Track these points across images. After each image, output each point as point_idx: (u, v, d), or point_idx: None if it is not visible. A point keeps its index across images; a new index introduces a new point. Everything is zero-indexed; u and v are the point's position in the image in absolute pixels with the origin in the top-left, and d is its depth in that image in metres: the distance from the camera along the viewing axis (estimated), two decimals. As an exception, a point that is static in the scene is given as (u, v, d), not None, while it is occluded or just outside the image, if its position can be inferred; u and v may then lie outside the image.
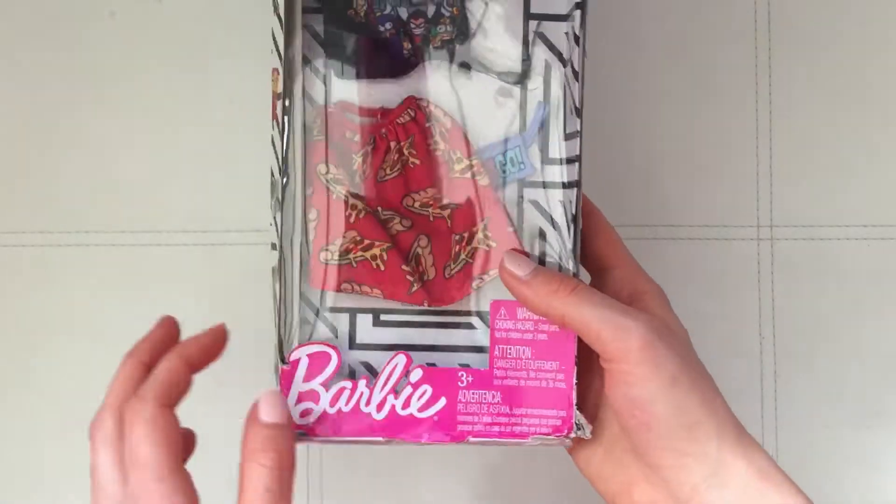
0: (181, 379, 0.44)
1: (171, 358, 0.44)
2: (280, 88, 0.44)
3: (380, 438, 0.44)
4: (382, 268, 0.45)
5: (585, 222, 0.48)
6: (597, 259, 0.49)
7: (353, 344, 0.45)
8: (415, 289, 0.45)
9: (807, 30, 0.65)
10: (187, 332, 0.64)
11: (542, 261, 0.46)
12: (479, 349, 0.46)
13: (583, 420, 0.45)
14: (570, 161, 0.45)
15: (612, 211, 0.65)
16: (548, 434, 0.45)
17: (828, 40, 0.65)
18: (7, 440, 0.64)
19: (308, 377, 0.44)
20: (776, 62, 0.65)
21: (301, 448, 0.64)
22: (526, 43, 0.45)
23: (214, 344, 0.46)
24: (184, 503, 0.41)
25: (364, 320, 0.45)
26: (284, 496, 0.41)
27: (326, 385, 0.44)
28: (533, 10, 0.45)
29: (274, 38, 0.45)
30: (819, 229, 0.65)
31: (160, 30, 0.64)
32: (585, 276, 0.50)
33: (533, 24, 0.45)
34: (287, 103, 0.44)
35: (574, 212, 0.46)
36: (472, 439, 0.44)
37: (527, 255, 0.45)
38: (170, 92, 0.63)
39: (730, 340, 0.65)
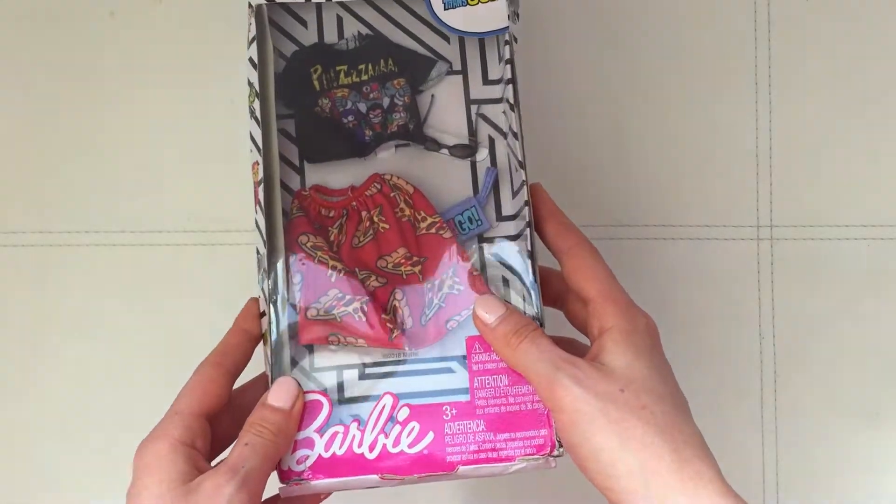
0: (235, 343, 0.50)
1: (231, 329, 0.50)
2: (260, 177, 0.50)
3: (374, 477, 0.47)
4: (364, 318, 0.49)
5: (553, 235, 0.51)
6: (570, 283, 0.50)
7: (342, 399, 0.49)
8: (395, 335, 0.49)
9: (807, 30, 0.65)
10: (184, 331, 0.64)
11: (507, 299, 0.50)
12: (460, 391, 0.49)
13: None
14: (516, 215, 0.51)
15: (613, 211, 0.65)
16: (533, 454, 0.48)
17: (828, 40, 0.65)
18: (7, 440, 0.64)
19: (303, 426, 0.47)
20: (776, 62, 0.65)
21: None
22: (470, 123, 0.52)
23: (255, 312, 0.51)
24: (184, 438, 0.45)
25: (350, 375, 0.49)
26: (259, 483, 0.45)
27: (320, 431, 0.47)
28: (472, 96, 0.52)
29: (252, 138, 0.51)
30: (819, 229, 0.65)
31: (160, 30, 0.64)
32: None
33: (474, 108, 0.52)
34: (267, 189, 0.50)
35: (529, 248, 0.50)
36: (461, 468, 0.47)
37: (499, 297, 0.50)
38: (170, 92, 0.64)
39: (730, 340, 0.65)
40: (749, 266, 0.65)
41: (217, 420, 0.48)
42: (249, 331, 0.50)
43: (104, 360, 0.64)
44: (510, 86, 0.51)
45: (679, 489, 0.43)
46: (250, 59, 0.51)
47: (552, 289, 0.52)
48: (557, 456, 0.48)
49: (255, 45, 0.51)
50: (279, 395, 0.47)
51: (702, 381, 0.64)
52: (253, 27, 0.52)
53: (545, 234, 0.51)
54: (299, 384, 0.48)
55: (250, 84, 0.51)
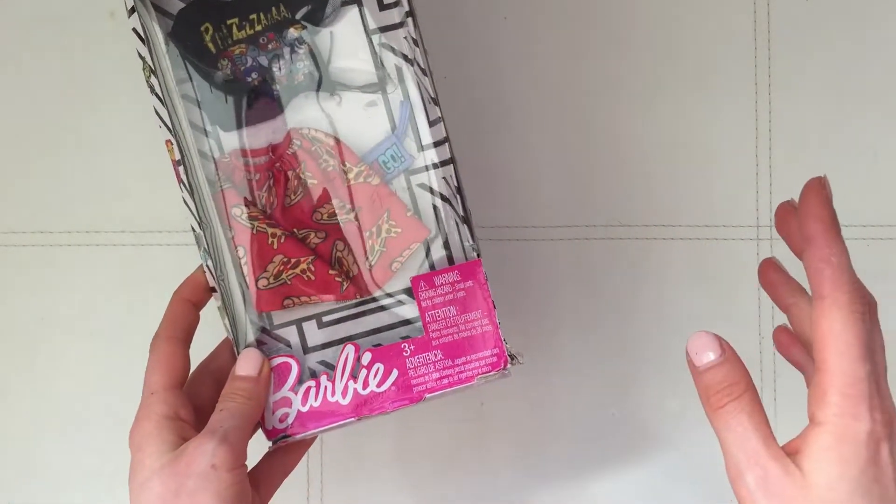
0: (179, 313, 0.51)
1: (171, 300, 0.52)
2: (177, 155, 0.50)
3: (352, 419, 0.50)
4: (313, 278, 0.51)
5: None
6: (812, 331, 0.41)
7: (306, 349, 0.51)
8: (345, 287, 0.51)
9: (807, 30, 0.65)
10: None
11: (442, 230, 0.52)
12: (412, 320, 0.52)
13: (515, 350, 0.51)
14: (438, 144, 0.52)
15: (613, 211, 0.65)
16: (489, 371, 0.51)
17: (828, 40, 0.65)
18: (7, 440, 0.64)
19: (277, 388, 0.50)
20: (776, 62, 0.65)
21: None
22: (374, 55, 0.52)
23: (200, 279, 0.52)
24: (166, 412, 0.48)
25: (310, 327, 0.52)
26: (240, 439, 0.47)
27: (294, 389, 0.50)
28: (371, 26, 0.52)
29: (158, 114, 0.50)
30: (819, 229, 0.65)
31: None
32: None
33: (375, 38, 0.52)
34: (187, 166, 0.50)
35: (457, 184, 0.51)
36: (428, 395, 0.50)
37: (718, 338, 0.44)
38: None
39: (730, 340, 0.64)
40: (749, 266, 0.65)
41: (196, 388, 0.51)
42: (191, 298, 0.52)
43: (104, 360, 0.64)
44: (409, 19, 0.51)
45: None
46: (134, 30, 0.49)
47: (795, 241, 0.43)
48: (513, 367, 0.51)
49: (135, 14, 0.49)
50: (245, 366, 0.50)
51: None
52: None
53: (803, 260, 0.42)
54: (262, 352, 0.50)
55: (141, 57, 0.50)
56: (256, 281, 0.51)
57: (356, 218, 0.52)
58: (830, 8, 0.65)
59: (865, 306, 0.40)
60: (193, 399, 0.50)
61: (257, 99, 0.51)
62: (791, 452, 0.40)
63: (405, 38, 0.51)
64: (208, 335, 0.53)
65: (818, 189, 0.42)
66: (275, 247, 0.51)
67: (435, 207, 0.52)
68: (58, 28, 0.63)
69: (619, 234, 0.64)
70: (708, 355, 0.43)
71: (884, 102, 0.65)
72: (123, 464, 0.49)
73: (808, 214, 0.41)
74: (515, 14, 0.64)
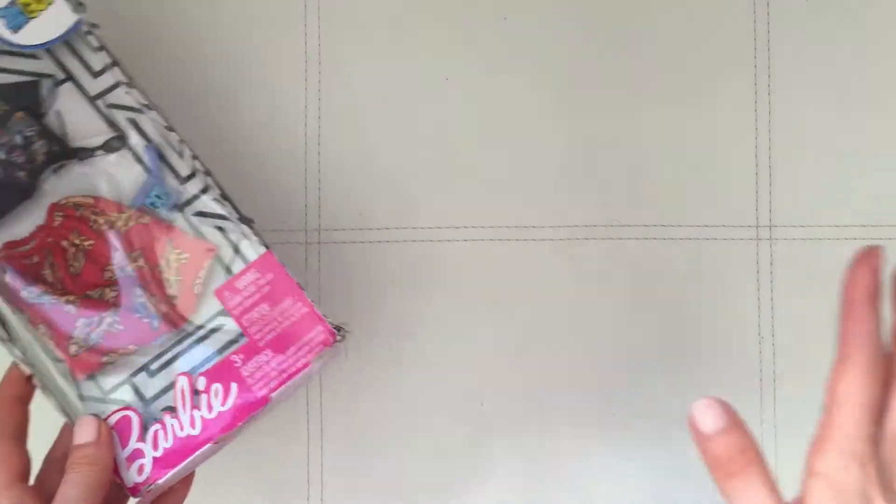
0: (7, 411, 0.51)
1: None
2: None
3: (209, 445, 0.50)
4: (122, 328, 0.52)
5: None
6: None
7: (146, 401, 0.51)
8: (157, 324, 0.52)
9: (807, 30, 0.65)
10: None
11: (233, 244, 0.52)
12: (238, 333, 0.52)
13: (339, 323, 0.51)
14: (194, 172, 0.53)
15: (613, 211, 0.65)
16: (321, 350, 0.51)
17: (828, 40, 0.65)
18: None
19: (124, 443, 0.50)
20: (776, 62, 0.65)
21: (300, 448, 0.64)
22: (105, 118, 0.53)
23: (15, 373, 0.51)
24: None
25: (141, 378, 0.51)
26: (94, 498, 0.47)
27: (142, 438, 0.50)
28: (92, 93, 0.53)
29: None
30: (819, 229, 0.65)
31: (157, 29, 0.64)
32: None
33: (100, 102, 0.53)
34: None
35: (221, 192, 0.53)
36: (273, 395, 0.51)
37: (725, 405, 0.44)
38: (171, 91, 0.63)
39: (730, 340, 0.65)
40: (749, 266, 0.65)
41: (46, 480, 0.50)
42: (15, 394, 0.51)
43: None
44: (115, 68, 0.53)
45: None
46: None
47: None
48: (341, 340, 0.51)
49: None
50: (82, 433, 0.49)
51: (702, 381, 0.64)
52: None
53: (840, 324, 0.44)
54: (97, 416, 0.50)
55: None
56: (67, 350, 0.51)
57: (143, 261, 0.52)
58: (830, 8, 0.64)
59: (883, 375, 0.43)
60: (43, 489, 0.50)
61: (7, 190, 0.52)
62: None
63: (126, 93, 0.53)
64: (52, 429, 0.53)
65: (870, 258, 0.45)
66: (73, 312, 0.52)
67: (220, 228, 0.53)
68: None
69: (619, 234, 0.64)
70: (716, 422, 0.42)
71: (884, 102, 0.65)
72: (123, 463, 0.48)
73: (854, 279, 0.46)
74: (515, 14, 0.64)
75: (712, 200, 0.65)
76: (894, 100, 0.65)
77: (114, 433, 0.50)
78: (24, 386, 0.51)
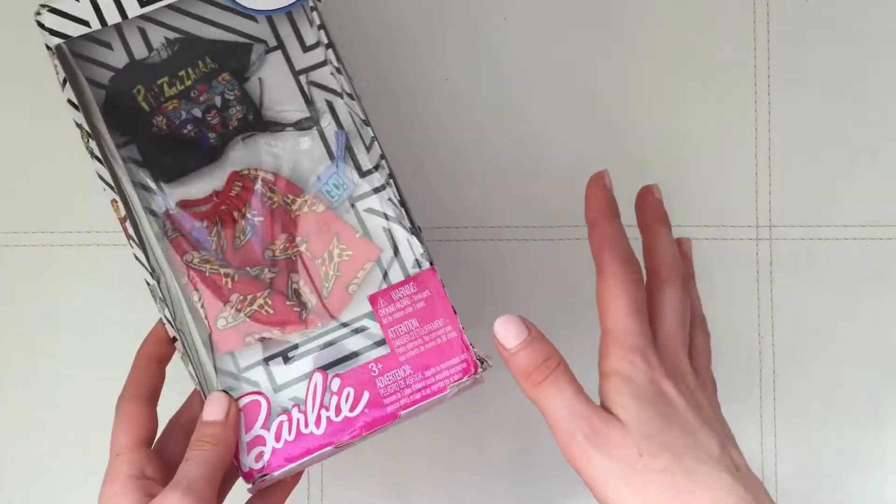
0: (144, 372, 0.51)
1: (135, 358, 0.52)
2: (122, 212, 0.50)
3: (329, 448, 0.49)
4: (272, 311, 0.51)
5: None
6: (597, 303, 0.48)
7: (276, 388, 0.51)
8: (305, 316, 0.52)
9: (807, 30, 0.65)
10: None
11: (395, 248, 0.52)
12: (381, 342, 0.51)
13: (483, 354, 0.50)
14: (377, 166, 0.53)
15: (612, 211, 0.65)
16: (460, 379, 0.50)
17: (828, 40, 0.65)
18: (7, 440, 0.64)
19: (248, 427, 0.50)
20: (776, 62, 0.65)
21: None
22: (304, 94, 0.53)
23: (160, 332, 0.52)
24: (132, 472, 0.47)
25: (277, 365, 0.51)
26: (206, 489, 0.46)
27: (266, 426, 0.50)
28: (298, 67, 0.53)
29: (101, 177, 0.50)
30: (819, 229, 0.65)
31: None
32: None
33: (303, 78, 0.53)
34: (134, 222, 0.51)
35: (399, 198, 0.52)
36: (402, 413, 0.50)
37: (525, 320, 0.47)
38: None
39: (730, 340, 0.65)
40: (749, 266, 0.65)
41: (167, 444, 0.51)
42: (156, 355, 0.52)
43: (104, 360, 0.64)
44: (330, 50, 0.52)
45: None
46: (69, 101, 0.51)
47: None
48: (484, 371, 0.50)
49: (68, 85, 0.51)
50: (212, 410, 0.49)
51: (702, 381, 0.64)
52: (59, 68, 0.51)
53: (590, 245, 0.49)
54: (229, 394, 0.50)
55: (78, 125, 0.51)
56: (215, 322, 0.51)
57: (306, 248, 0.52)
58: (830, 8, 0.65)
59: (638, 275, 0.47)
60: (164, 455, 0.50)
61: (195, 149, 0.52)
62: (602, 405, 0.45)
63: (331, 73, 0.53)
64: (178, 394, 0.53)
65: (597, 180, 0.50)
66: (229, 286, 0.51)
67: (385, 228, 0.52)
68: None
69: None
70: (518, 337, 0.46)
71: (883, 102, 0.65)
72: (123, 464, 0.48)
73: (589, 202, 0.50)
74: (515, 14, 0.64)
75: (712, 200, 0.65)
76: (894, 100, 0.65)
77: (241, 417, 0.50)
78: (166, 347, 0.52)
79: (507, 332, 0.46)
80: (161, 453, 0.50)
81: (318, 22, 0.52)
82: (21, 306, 0.64)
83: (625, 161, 0.64)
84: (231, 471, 0.50)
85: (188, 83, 0.53)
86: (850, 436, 0.64)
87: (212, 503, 0.46)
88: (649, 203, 0.52)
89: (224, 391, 0.50)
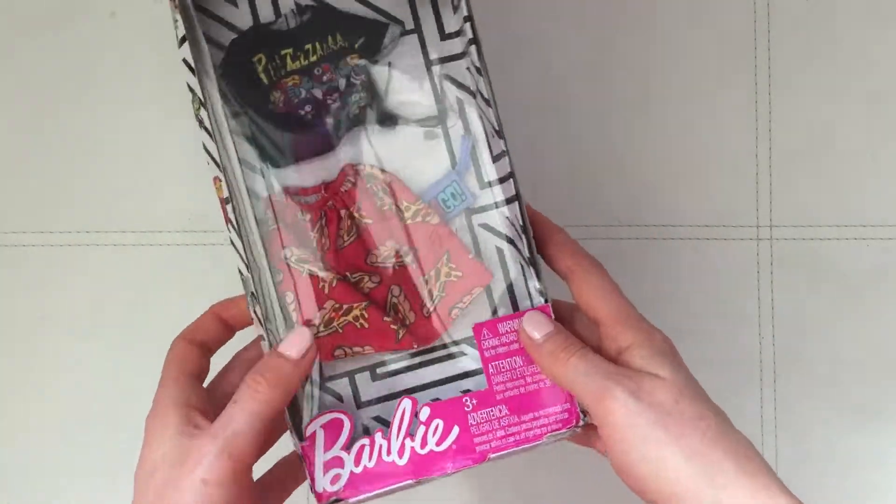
0: (207, 324, 0.50)
1: (207, 311, 0.51)
2: (225, 193, 0.46)
3: (410, 481, 0.46)
4: (367, 325, 0.48)
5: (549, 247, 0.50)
6: (578, 303, 0.49)
7: (359, 404, 0.48)
8: (401, 335, 0.48)
9: (807, 30, 0.65)
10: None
11: (506, 273, 0.49)
12: (474, 372, 0.48)
13: (584, 407, 0.47)
14: (502, 180, 0.48)
15: (613, 211, 0.65)
16: (560, 429, 0.47)
17: (828, 40, 0.65)
18: (7, 440, 0.64)
19: (328, 446, 0.46)
20: (776, 62, 0.65)
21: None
22: (434, 87, 0.48)
23: (242, 306, 0.49)
24: (176, 399, 0.45)
25: (363, 379, 0.48)
26: (245, 449, 0.43)
27: (347, 448, 0.46)
28: (431, 56, 0.48)
29: (207, 150, 0.47)
30: (819, 229, 0.65)
31: (160, 30, 0.64)
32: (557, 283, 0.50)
33: (436, 69, 0.48)
34: (236, 205, 0.46)
35: (522, 223, 0.48)
36: (492, 456, 0.46)
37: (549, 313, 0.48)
38: (170, 91, 0.63)
39: (729, 340, 0.65)
40: (749, 266, 0.65)
41: (226, 376, 0.49)
42: (224, 318, 0.50)
43: (104, 360, 0.64)
44: (473, 47, 0.47)
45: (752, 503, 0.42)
46: (184, 61, 0.46)
47: (558, 312, 0.49)
48: (582, 426, 0.47)
49: (186, 44, 0.45)
50: (291, 343, 0.45)
51: (702, 381, 0.64)
52: (180, 23, 0.46)
53: (546, 258, 0.49)
54: (311, 332, 0.46)
55: (191, 89, 0.46)
56: None
57: (414, 261, 0.48)
58: (830, 8, 0.65)
59: (602, 268, 0.49)
60: (220, 387, 0.48)
61: (310, 133, 0.48)
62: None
63: (468, 68, 0.48)
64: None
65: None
66: (326, 291, 0.47)
67: (498, 249, 0.48)
68: (58, 28, 0.63)
69: (619, 234, 0.64)
70: (544, 329, 0.47)
71: (883, 103, 0.65)
72: (124, 464, 0.48)
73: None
74: (515, 14, 0.64)
75: (712, 200, 0.65)
76: (894, 100, 0.65)
77: (321, 434, 0.46)
78: (235, 314, 0.50)
79: (535, 325, 0.47)
80: (217, 387, 0.48)
81: (464, 12, 0.47)
82: (21, 306, 0.64)
83: (625, 161, 0.64)
84: (293, 469, 0.49)
85: (313, 59, 0.48)
86: (851, 435, 0.64)
87: (244, 469, 0.44)
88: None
89: (310, 331, 0.46)
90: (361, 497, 0.46)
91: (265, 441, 0.46)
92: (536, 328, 0.47)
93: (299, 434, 0.46)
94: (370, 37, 0.48)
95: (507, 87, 0.64)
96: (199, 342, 0.49)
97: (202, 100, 0.46)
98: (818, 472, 0.65)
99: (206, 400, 0.47)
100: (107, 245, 0.64)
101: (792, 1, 0.65)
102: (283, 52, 0.48)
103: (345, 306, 0.48)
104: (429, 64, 0.48)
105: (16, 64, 0.64)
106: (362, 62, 0.48)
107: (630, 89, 0.64)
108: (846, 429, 0.64)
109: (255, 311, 0.47)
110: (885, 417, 0.64)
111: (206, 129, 0.46)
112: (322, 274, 0.47)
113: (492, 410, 0.47)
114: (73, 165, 0.64)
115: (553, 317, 0.48)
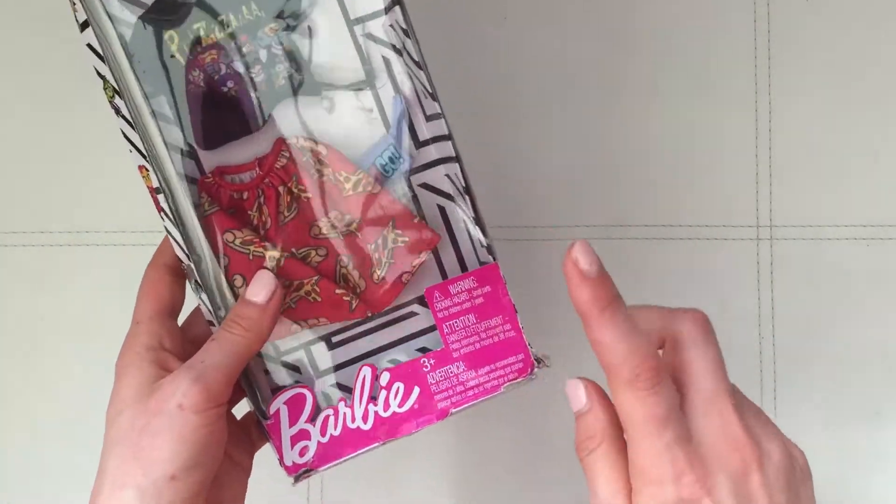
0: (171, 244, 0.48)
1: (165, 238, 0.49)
2: (154, 182, 0.45)
3: (376, 444, 0.48)
4: (319, 299, 0.48)
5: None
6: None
7: (318, 373, 0.48)
8: (354, 305, 0.48)
9: (807, 30, 0.65)
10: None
11: (450, 232, 0.48)
12: (430, 329, 0.48)
13: (541, 353, 0.48)
14: (437, 140, 0.47)
15: (613, 211, 0.65)
16: (516, 378, 0.48)
17: (828, 41, 0.65)
18: (7, 440, 0.64)
19: (293, 421, 0.47)
20: (776, 62, 0.65)
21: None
22: (359, 49, 0.47)
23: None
24: (149, 343, 0.46)
25: (319, 349, 0.48)
26: (219, 379, 0.44)
27: (311, 420, 0.48)
28: (352, 16, 0.46)
29: (127, 138, 0.46)
30: (819, 229, 0.65)
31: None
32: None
33: (358, 28, 0.46)
34: (167, 192, 0.46)
35: (464, 183, 0.47)
36: (453, 410, 0.48)
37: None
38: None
39: (730, 340, 0.64)
40: (749, 266, 0.65)
41: (198, 319, 0.49)
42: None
43: (104, 360, 0.64)
44: (397, 7, 0.46)
45: None
46: (89, 46, 0.44)
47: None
48: (539, 370, 0.48)
49: (88, 29, 0.44)
50: (254, 289, 0.46)
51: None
52: (79, 6, 0.44)
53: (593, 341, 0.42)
54: (276, 276, 0.46)
55: (101, 76, 0.45)
56: None
57: (358, 230, 0.48)
58: (830, 8, 0.65)
59: (649, 373, 0.40)
60: (193, 329, 0.48)
61: (236, 110, 0.46)
62: None
63: (391, 25, 0.46)
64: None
65: (571, 270, 0.41)
66: (274, 271, 0.47)
67: (440, 208, 0.48)
68: (58, 28, 0.63)
69: (619, 234, 0.64)
70: (577, 403, 0.42)
71: (884, 103, 0.65)
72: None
73: (572, 297, 0.42)
74: (516, 14, 0.64)
75: (712, 200, 0.65)
76: (894, 99, 0.65)
77: (285, 410, 0.47)
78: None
79: (570, 396, 0.43)
80: (190, 327, 0.48)
81: None
82: (21, 306, 0.64)
83: (625, 161, 0.64)
84: (246, 433, 0.49)
85: (228, 31, 0.46)
86: (850, 436, 0.64)
87: (220, 395, 0.44)
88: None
89: (272, 273, 0.46)
90: (331, 464, 0.47)
91: (234, 393, 0.46)
92: (571, 399, 0.43)
93: (262, 413, 0.48)
94: (287, 2, 0.46)
95: (507, 87, 0.65)
96: (171, 266, 0.48)
97: (115, 87, 0.44)
98: (818, 472, 0.64)
99: (179, 340, 0.47)
100: (107, 245, 0.64)
101: (792, 1, 0.65)
102: (195, 26, 0.45)
103: (295, 282, 0.47)
104: (350, 25, 0.46)
105: (15, 63, 0.64)
106: (282, 29, 0.46)
107: (630, 89, 0.64)
108: (847, 429, 0.64)
109: (200, 299, 0.47)
110: (885, 417, 0.64)
111: (123, 118, 0.45)
112: (268, 253, 0.47)
113: (449, 368, 0.48)
114: (73, 165, 0.63)
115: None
